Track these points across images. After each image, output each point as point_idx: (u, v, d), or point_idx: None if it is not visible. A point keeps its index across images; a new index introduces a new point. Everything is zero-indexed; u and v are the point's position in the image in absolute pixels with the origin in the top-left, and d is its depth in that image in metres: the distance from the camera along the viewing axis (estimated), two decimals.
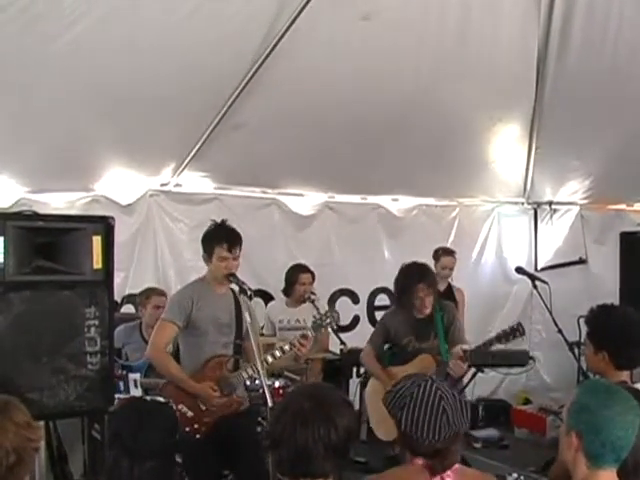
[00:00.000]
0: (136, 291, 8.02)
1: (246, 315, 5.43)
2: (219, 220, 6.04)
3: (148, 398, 5.19)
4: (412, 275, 6.90)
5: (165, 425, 3.28)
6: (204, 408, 5.76)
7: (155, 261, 8.54)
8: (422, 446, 3.19)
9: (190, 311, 5.81)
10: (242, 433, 5.85)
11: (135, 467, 3.09)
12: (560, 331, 7.10)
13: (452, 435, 3.17)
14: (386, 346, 7.34)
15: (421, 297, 6.80)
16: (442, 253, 8.78)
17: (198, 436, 5.73)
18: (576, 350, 7.50)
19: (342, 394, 3.31)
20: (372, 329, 9.45)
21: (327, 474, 2.95)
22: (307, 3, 6.48)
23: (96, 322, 5.07)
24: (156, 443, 3.15)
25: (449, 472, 3.22)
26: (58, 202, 7.73)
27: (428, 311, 6.87)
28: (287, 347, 6.10)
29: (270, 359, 5.95)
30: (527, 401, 10.20)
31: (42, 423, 4.65)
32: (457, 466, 3.28)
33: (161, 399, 5.04)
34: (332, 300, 9.35)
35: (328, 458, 2.91)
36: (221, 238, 5.81)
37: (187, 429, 5.61)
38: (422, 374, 3.43)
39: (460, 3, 7.04)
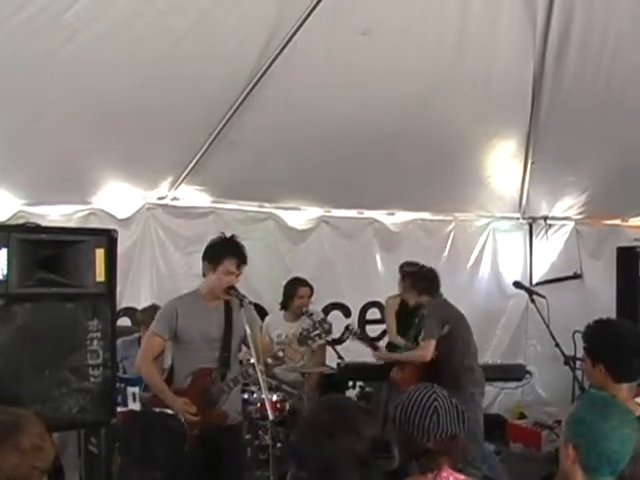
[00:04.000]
0: (132, 304, 8.05)
1: (246, 327, 5.39)
2: (221, 233, 5.99)
3: (157, 410, 5.15)
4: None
5: (174, 436, 3.29)
6: (189, 421, 5.56)
7: (151, 274, 8.56)
8: (414, 444, 3.19)
9: (175, 323, 5.75)
10: (227, 448, 5.76)
11: (144, 477, 3.10)
12: (558, 345, 7.09)
13: (445, 437, 3.16)
14: None
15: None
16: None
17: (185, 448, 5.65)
18: (572, 365, 7.52)
19: (360, 404, 3.31)
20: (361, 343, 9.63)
21: None
22: (305, 20, 6.53)
23: (98, 335, 5.07)
24: (165, 454, 3.16)
25: None
26: (55, 215, 7.74)
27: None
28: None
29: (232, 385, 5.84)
30: (522, 415, 10.21)
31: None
32: (463, 477, 3.30)
33: (170, 411, 5.00)
34: (324, 313, 9.30)
35: (355, 469, 2.91)
36: (232, 253, 5.75)
37: None
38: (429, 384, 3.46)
39: (458, 20, 7.08)
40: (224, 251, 5.78)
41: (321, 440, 2.88)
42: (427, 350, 7.16)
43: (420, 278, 7.70)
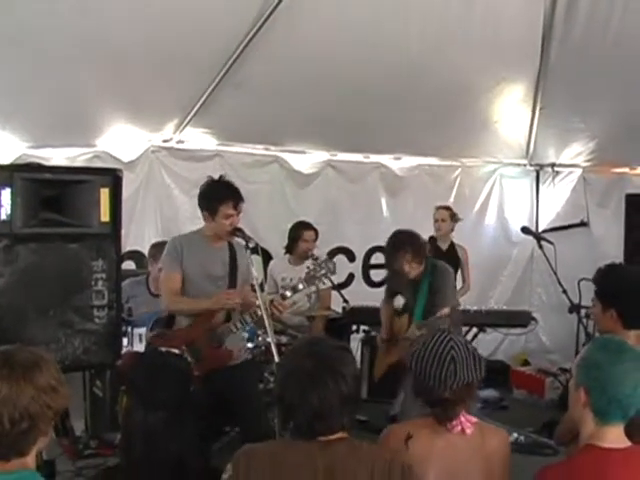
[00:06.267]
0: (137, 247, 8.05)
1: (252, 270, 5.37)
2: (216, 177, 5.89)
3: (163, 349, 5.12)
4: (393, 244, 6.77)
5: (179, 377, 3.28)
6: (193, 361, 5.52)
7: (156, 217, 8.54)
8: (431, 394, 3.24)
9: (181, 258, 5.68)
10: (236, 388, 5.73)
11: (149, 417, 3.09)
12: (565, 291, 7.08)
13: (461, 386, 3.21)
14: None
15: (403, 263, 6.64)
16: (436, 208, 8.75)
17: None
18: (577, 312, 7.51)
19: (336, 341, 3.23)
20: (366, 287, 9.67)
21: (344, 425, 2.94)
22: None
23: (103, 275, 5.06)
24: (170, 394, 3.14)
25: (469, 424, 3.24)
26: (59, 158, 7.66)
27: (412, 276, 6.69)
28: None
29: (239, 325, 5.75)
30: (526, 362, 10.24)
31: None
32: (476, 420, 3.32)
33: (176, 351, 4.97)
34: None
35: (344, 409, 2.89)
36: (226, 196, 5.63)
37: None
38: (444, 329, 3.46)
39: None
40: (217, 197, 5.66)
41: (305, 389, 2.84)
42: None
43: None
